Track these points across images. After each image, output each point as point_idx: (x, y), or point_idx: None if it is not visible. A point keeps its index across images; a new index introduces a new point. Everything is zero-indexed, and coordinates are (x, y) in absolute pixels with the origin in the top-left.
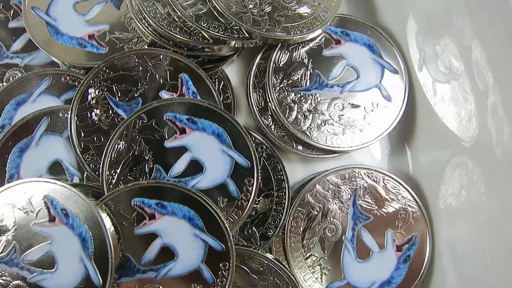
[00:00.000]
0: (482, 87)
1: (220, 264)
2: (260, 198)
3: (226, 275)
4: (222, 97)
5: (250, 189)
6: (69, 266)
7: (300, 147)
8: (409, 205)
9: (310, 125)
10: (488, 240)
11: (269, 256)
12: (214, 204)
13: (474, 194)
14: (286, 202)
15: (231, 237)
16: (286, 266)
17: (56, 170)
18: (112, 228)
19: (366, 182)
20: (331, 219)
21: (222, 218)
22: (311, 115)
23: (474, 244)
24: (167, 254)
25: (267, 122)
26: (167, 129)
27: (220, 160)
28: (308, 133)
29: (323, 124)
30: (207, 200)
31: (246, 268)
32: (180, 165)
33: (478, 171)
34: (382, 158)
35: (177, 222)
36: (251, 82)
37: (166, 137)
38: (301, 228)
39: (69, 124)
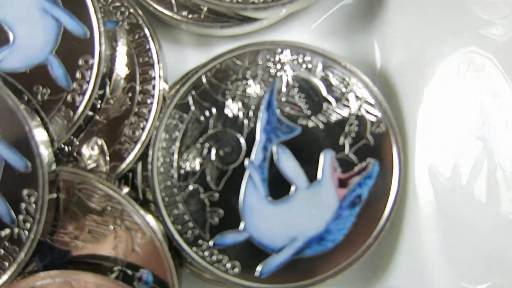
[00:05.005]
0: None
1: (24, 193)
2: (110, 93)
3: (32, 212)
4: None
5: (88, 75)
6: None
7: (185, 13)
8: (368, 111)
9: None
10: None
11: (117, 188)
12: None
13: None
14: (155, 101)
15: (39, 149)
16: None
17: None
18: None
19: (293, 70)
20: (229, 130)
21: (24, 110)
22: None
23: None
24: None
25: None
26: None
27: (40, 23)
28: None
29: None
30: None
31: (77, 205)
32: None
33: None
34: (327, 40)
35: None
36: None
37: None
38: (177, 144)
39: None
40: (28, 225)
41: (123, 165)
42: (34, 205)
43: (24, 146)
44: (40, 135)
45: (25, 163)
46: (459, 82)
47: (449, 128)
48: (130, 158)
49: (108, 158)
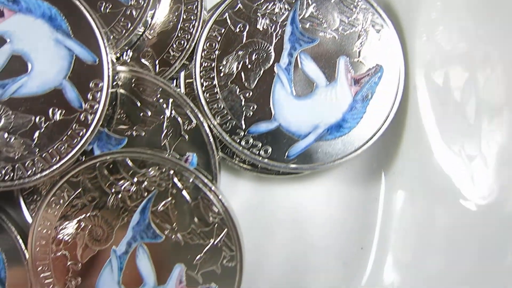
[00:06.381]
0: None
1: (91, 83)
2: (159, 12)
3: (98, 98)
4: None
5: (98, 96)
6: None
7: None
8: (374, 26)
9: None
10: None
11: (168, 82)
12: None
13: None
14: (198, 17)
15: (107, 46)
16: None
17: None
18: None
19: None
20: (259, 41)
21: (95, 19)
22: None
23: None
24: (18, 65)
25: None
26: None
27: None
28: None
29: None
30: None
31: (133, 97)
32: None
33: None
34: None
35: (33, 22)
36: None
37: None
38: (217, 53)
39: None
40: (93, 110)
41: (171, 69)
42: (99, 94)
43: (93, 43)
44: (105, 37)
45: (93, 57)
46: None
47: (441, 51)
48: (176, 64)
49: (157, 64)
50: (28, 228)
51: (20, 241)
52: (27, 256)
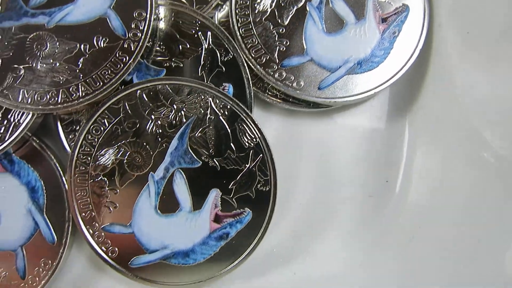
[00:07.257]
0: None
1: (134, 13)
2: None
3: (141, 27)
4: None
5: (141, 25)
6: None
7: None
8: None
9: None
10: None
11: (205, 15)
12: None
13: None
14: None
15: None
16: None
17: None
18: None
19: None
20: None
21: None
22: None
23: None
24: None
25: None
26: None
27: None
28: None
29: None
30: None
31: (172, 29)
32: None
33: None
34: None
35: None
36: None
37: None
38: None
39: None
40: (136, 38)
41: (207, 7)
42: (142, 23)
43: None
44: None
45: None
46: None
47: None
48: (213, 1)
49: (194, 1)
50: (66, 158)
51: (59, 168)
52: (65, 182)
